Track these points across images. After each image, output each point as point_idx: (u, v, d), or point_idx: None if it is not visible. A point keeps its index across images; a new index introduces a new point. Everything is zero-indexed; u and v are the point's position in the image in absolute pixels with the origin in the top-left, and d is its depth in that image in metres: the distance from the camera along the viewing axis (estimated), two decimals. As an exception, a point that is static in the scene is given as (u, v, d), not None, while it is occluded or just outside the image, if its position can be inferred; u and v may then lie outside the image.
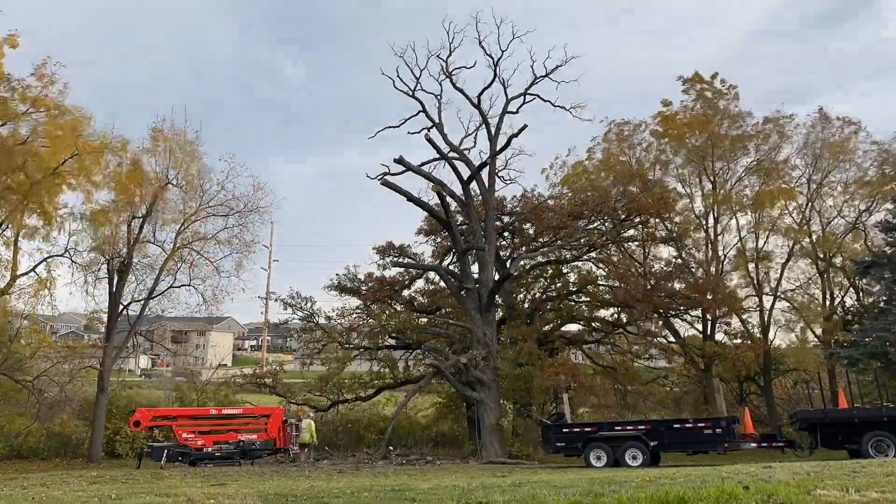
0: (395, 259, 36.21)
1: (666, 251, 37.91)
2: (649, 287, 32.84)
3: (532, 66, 31.48)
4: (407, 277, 36.64)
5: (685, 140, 36.60)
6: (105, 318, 30.55)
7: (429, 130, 31.09)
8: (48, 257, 28.53)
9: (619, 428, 23.03)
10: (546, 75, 31.31)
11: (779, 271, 37.43)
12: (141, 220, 29.89)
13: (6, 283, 28.06)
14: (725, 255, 37.37)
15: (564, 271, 37.10)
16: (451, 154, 31.50)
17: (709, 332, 36.01)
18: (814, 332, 38.81)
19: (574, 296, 36.16)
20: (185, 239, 30.95)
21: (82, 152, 26.79)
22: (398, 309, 35.12)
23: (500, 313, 34.71)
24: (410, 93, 31.63)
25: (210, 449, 24.78)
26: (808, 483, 9.18)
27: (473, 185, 31.61)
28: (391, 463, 26.20)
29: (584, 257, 34.77)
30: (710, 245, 36.67)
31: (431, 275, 36.87)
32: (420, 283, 37.91)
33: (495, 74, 31.59)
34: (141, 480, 17.27)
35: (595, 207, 32.71)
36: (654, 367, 38.67)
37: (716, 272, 35.90)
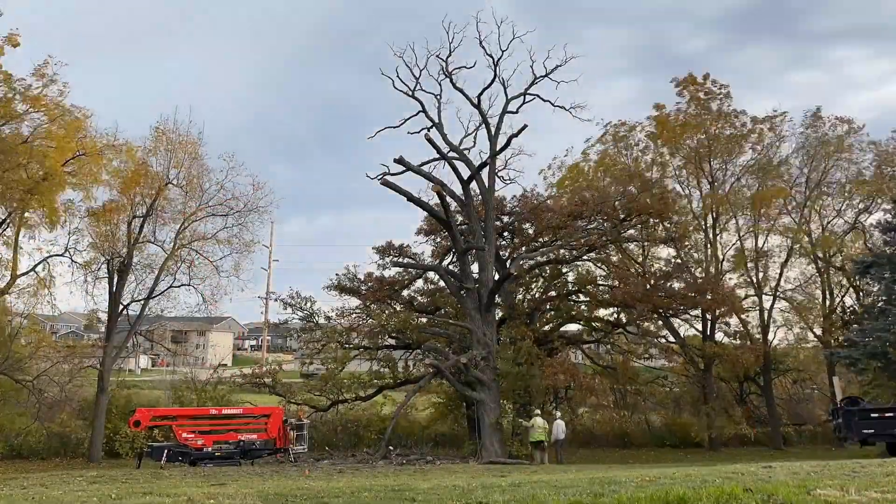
0: (395, 259, 36.22)
1: (665, 251, 37.97)
2: (649, 287, 32.86)
3: (532, 66, 31.49)
4: (407, 277, 36.64)
5: (681, 141, 36.63)
6: (105, 317, 30.54)
7: (429, 130, 31.10)
8: (48, 257, 28.53)
9: None
10: (546, 75, 31.31)
11: (778, 271, 37.50)
12: (141, 219, 29.89)
13: (6, 283, 28.05)
14: (724, 255, 37.42)
15: (564, 271, 37.12)
16: (451, 154, 31.50)
17: (708, 332, 36.05)
18: (813, 332, 38.85)
19: (573, 296, 36.17)
20: (185, 238, 30.95)
21: (86, 153, 26.84)
22: (398, 309, 35.11)
23: (500, 313, 34.71)
24: (410, 93, 31.63)
25: (210, 449, 24.72)
26: (808, 483, 9.18)
27: (473, 185, 31.61)
28: (391, 463, 26.19)
29: (584, 257, 34.80)
30: (709, 245, 36.71)
31: (431, 275, 36.87)
32: (420, 283, 37.94)
33: (495, 74, 31.60)
34: (141, 480, 17.27)
35: (594, 207, 32.72)
36: (653, 367, 38.71)
37: (715, 272, 35.93)
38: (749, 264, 36.92)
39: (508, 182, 33.64)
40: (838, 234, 37.49)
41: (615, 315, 35.28)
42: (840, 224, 37.95)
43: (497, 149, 31.70)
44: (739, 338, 36.36)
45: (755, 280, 37.22)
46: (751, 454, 30.96)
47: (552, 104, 31.52)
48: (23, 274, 28.43)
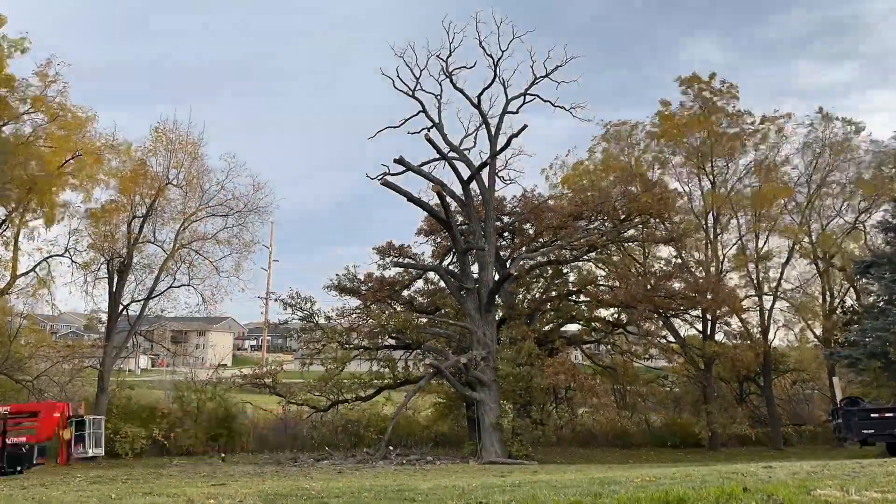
0: (395, 259, 36.19)
1: (666, 251, 37.96)
2: (649, 287, 32.84)
3: (532, 67, 31.48)
4: (407, 277, 36.63)
5: (683, 140, 36.63)
6: (105, 317, 30.53)
7: (429, 130, 31.09)
8: (48, 257, 28.53)
9: None
10: (546, 75, 31.31)
11: (779, 271, 37.48)
12: (141, 219, 29.87)
13: (6, 283, 28.05)
14: (725, 255, 37.42)
15: (564, 271, 37.12)
16: (451, 154, 31.50)
17: (709, 332, 36.04)
18: (813, 332, 38.86)
19: (574, 296, 36.16)
20: (185, 239, 30.93)
21: (86, 153, 26.85)
22: (398, 309, 35.09)
23: (500, 313, 34.69)
24: (410, 93, 31.62)
25: None
26: (808, 483, 9.18)
27: (473, 185, 31.61)
28: (391, 463, 26.19)
29: (584, 257, 34.78)
30: (709, 245, 36.69)
31: (431, 275, 36.86)
32: (420, 283, 37.92)
33: (495, 74, 31.59)
34: (141, 480, 17.28)
35: (595, 207, 32.71)
36: (653, 367, 38.70)
37: (716, 272, 35.91)
38: (750, 264, 36.93)
39: (509, 182, 33.67)
40: (838, 235, 37.49)
41: (615, 315, 35.27)
42: (840, 224, 37.96)
43: (497, 149, 31.70)
44: (740, 338, 36.35)
45: (755, 280, 37.22)
46: (751, 454, 30.95)
47: (552, 104, 31.55)
48: (23, 274, 28.44)
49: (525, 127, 31.17)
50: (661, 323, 34.64)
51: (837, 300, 38.52)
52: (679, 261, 35.77)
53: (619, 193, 33.85)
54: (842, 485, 8.71)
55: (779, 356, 38.65)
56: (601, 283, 35.89)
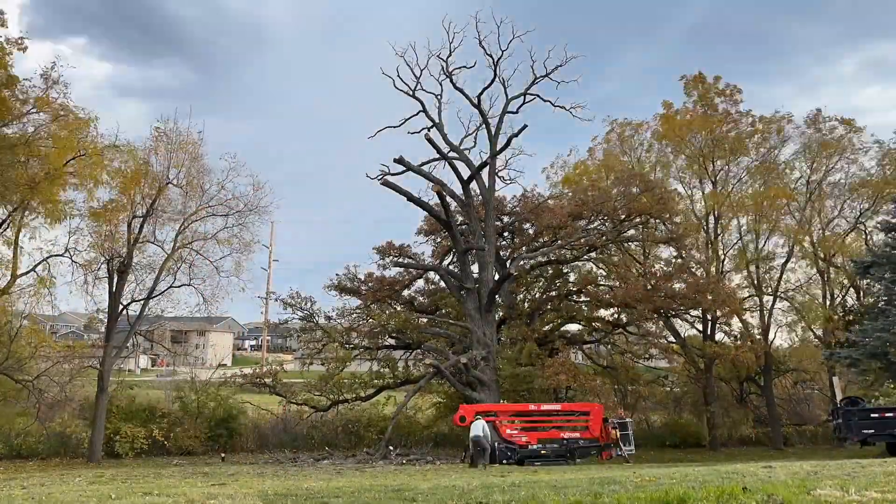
0: (396, 259, 36.20)
1: (666, 251, 37.96)
2: (649, 287, 32.84)
3: (532, 67, 31.53)
4: (407, 277, 36.63)
5: (686, 140, 36.66)
6: (105, 317, 30.48)
7: (429, 130, 31.13)
8: (48, 257, 28.47)
9: None
10: (546, 75, 31.35)
11: (779, 271, 37.47)
12: (141, 219, 29.84)
13: (6, 283, 28.02)
14: (726, 256, 37.42)
15: (564, 271, 37.11)
16: (451, 154, 31.53)
17: (709, 333, 36.03)
18: (814, 333, 38.84)
19: (574, 296, 36.15)
20: (185, 239, 30.88)
21: (88, 153, 26.84)
22: (398, 309, 35.10)
23: (500, 313, 34.70)
24: (411, 93, 31.66)
25: (535, 446, 24.09)
26: (808, 483, 9.17)
27: (473, 185, 31.64)
28: (391, 463, 26.18)
29: (585, 257, 34.78)
30: (710, 245, 36.70)
31: (431, 275, 36.86)
32: (420, 283, 37.96)
33: (495, 74, 31.65)
34: (141, 480, 17.28)
35: (595, 207, 32.72)
36: (654, 367, 38.68)
37: (716, 272, 35.91)
38: (750, 265, 36.93)
39: (509, 182, 33.76)
40: (839, 235, 37.48)
41: (616, 315, 35.26)
42: (841, 225, 37.96)
43: (497, 149, 31.72)
44: (740, 338, 36.34)
45: (756, 280, 37.22)
46: (751, 454, 30.95)
47: (552, 104, 31.64)
48: (23, 274, 28.39)
49: (525, 127, 31.27)
50: (661, 323, 34.64)
51: (838, 300, 38.52)
52: (679, 261, 35.77)
53: (619, 193, 33.88)
54: (842, 485, 8.71)
55: (779, 356, 38.64)
56: (601, 283, 35.88)
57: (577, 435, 24.62)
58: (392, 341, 33.91)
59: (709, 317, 35.56)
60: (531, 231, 35.52)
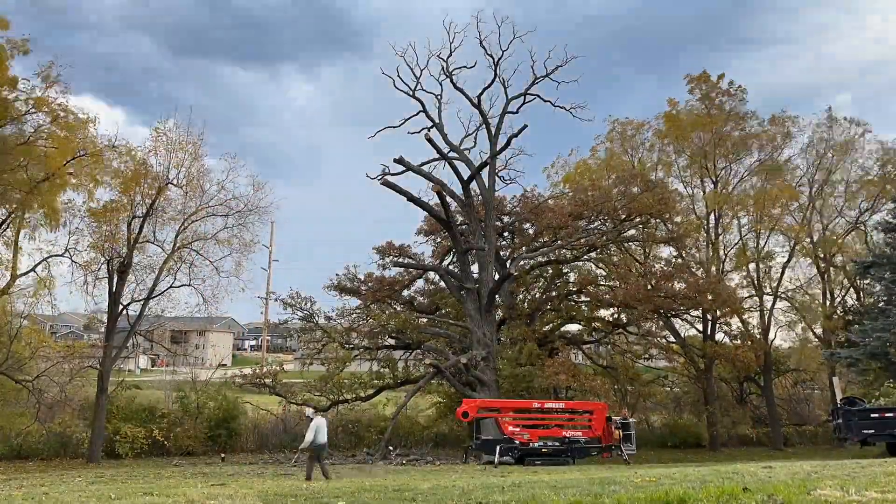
0: (396, 259, 36.19)
1: (666, 251, 37.96)
2: (650, 287, 32.84)
3: (532, 67, 31.54)
4: (407, 277, 36.62)
5: (688, 139, 36.66)
6: (105, 318, 30.47)
7: (429, 130, 31.11)
8: (48, 257, 28.46)
9: None
10: (546, 75, 31.36)
11: (779, 271, 37.49)
12: (141, 219, 29.83)
13: (6, 283, 28.02)
14: (726, 255, 37.41)
15: (564, 271, 37.10)
16: (452, 154, 31.52)
17: (709, 333, 36.02)
18: (814, 333, 38.85)
19: (574, 296, 36.14)
20: (185, 239, 30.86)
21: (87, 153, 26.86)
22: (398, 309, 35.09)
23: (500, 313, 34.68)
24: (411, 93, 31.68)
25: (537, 444, 24.03)
26: (809, 483, 9.16)
27: (473, 185, 31.62)
28: (391, 463, 26.18)
29: (585, 257, 34.77)
30: (710, 245, 36.70)
31: (431, 275, 36.85)
32: (420, 283, 37.94)
33: (495, 74, 31.66)
34: (141, 480, 17.29)
35: (595, 207, 32.72)
36: (654, 368, 38.69)
37: (716, 272, 35.91)
38: (750, 264, 36.92)
39: (509, 182, 33.74)
40: (839, 235, 37.48)
41: (616, 315, 35.26)
42: (841, 224, 37.97)
43: (497, 149, 31.72)
44: (740, 338, 36.34)
45: (756, 280, 37.22)
46: (751, 454, 30.95)
47: (553, 104, 31.64)
48: (23, 274, 28.40)
49: (525, 127, 31.28)
50: (661, 323, 34.64)
51: (838, 300, 38.52)
52: (680, 261, 35.76)
53: (620, 193, 33.89)
54: (842, 485, 8.70)
55: (779, 356, 38.64)
56: (601, 283, 35.87)
57: (579, 434, 24.58)
58: (392, 341, 33.90)
59: (709, 317, 35.55)
60: (531, 231, 35.51)
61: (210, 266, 31.02)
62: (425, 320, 33.80)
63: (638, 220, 33.53)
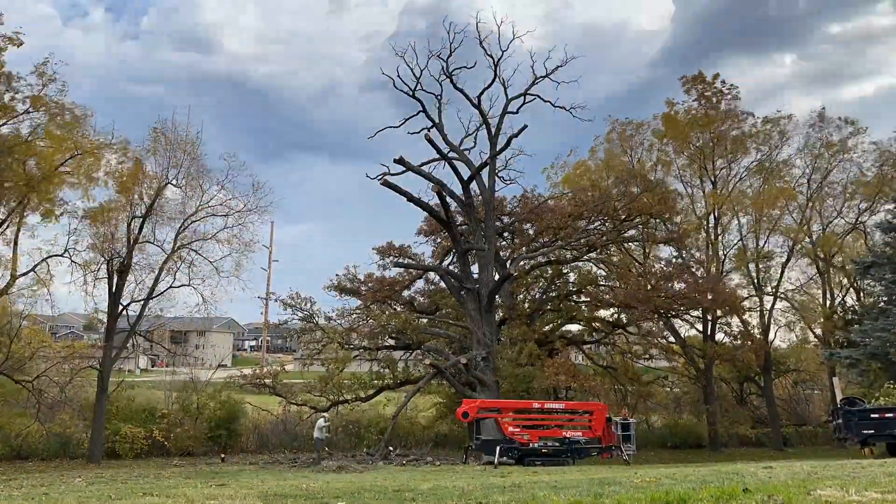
0: (396, 259, 36.18)
1: (666, 251, 37.98)
2: (649, 287, 32.85)
3: (532, 67, 31.57)
4: (407, 278, 36.61)
5: (687, 140, 36.70)
6: (105, 318, 30.45)
7: (429, 130, 31.08)
8: (48, 257, 28.45)
9: None
10: (546, 75, 31.38)
11: (779, 271, 37.50)
12: (140, 219, 29.82)
13: (6, 283, 28.01)
14: (726, 255, 37.43)
15: (564, 271, 37.10)
16: (452, 154, 31.50)
17: (709, 333, 36.02)
18: (814, 333, 38.87)
19: (574, 296, 36.15)
20: (185, 239, 30.85)
21: (84, 152, 26.83)
22: (398, 309, 35.08)
23: (500, 314, 34.67)
24: (411, 93, 31.64)
25: (536, 445, 24.01)
26: (809, 483, 9.16)
27: (473, 185, 31.61)
28: (391, 463, 26.16)
29: (585, 257, 34.78)
30: (710, 245, 36.71)
31: (431, 275, 36.85)
32: (420, 284, 37.94)
33: (495, 74, 31.67)
34: (141, 480, 17.28)
35: (595, 207, 32.73)
36: (654, 368, 38.71)
37: (716, 272, 35.92)
38: (750, 265, 36.94)
39: (509, 182, 33.72)
40: (839, 235, 37.49)
41: (616, 315, 35.27)
42: (841, 224, 37.98)
43: (497, 149, 31.72)
44: (740, 338, 36.36)
45: (756, 280, 37.23)
46: (751, 454, 30.95)
47: (553, 104, 31.65)
48: (22, 274, 28.38)
49: (525, 127, 31.30)
50: (661, 323, 34.65)
51: (838, 300, 38.53)
52: (680, 261, 35.77)
53: (619, 193, 33.89)
54: (842, 485, 8.70)
55: (779, 356, 38.64)
56: (601, 283, 35.88)
57: (579, 434, 24.57)
58: (392, 342, 33.90)
59: (709, 317, 35.56)
60: (531, 231, 35.51)
61: (210, 266, 31.03)
62: (425, 320, 33.81)
63: (638, 220, 33.53)
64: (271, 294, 37.64)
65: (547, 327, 35.84)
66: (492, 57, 31.46)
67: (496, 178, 32.24)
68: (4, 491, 14.97)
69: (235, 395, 33.23)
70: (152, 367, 64.01)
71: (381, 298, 35.15)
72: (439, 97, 31.95)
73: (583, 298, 35.70)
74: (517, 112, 32.12)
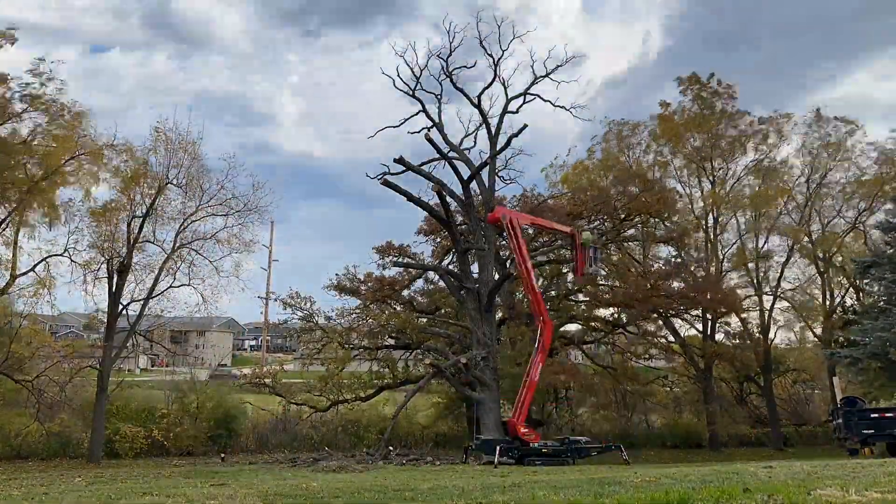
0: (395, 259, 36.16)
1: (665, 251, 37.97)
2: (649, 287, 32.84)
3: (532, 66, 31.58)
4: (407, 277, 36.59)
5: (683, 140, 36.68)
6: (105, 317, 30.45)
7: (429, 130, 31.09)
8: (48, 257, 28.44)
9: None
10: (546, 75, 31.38)
11: (778, 271, 37.49)
12: (141, 219, 29.82)
13: (6, 283, 28.01)
14: (725, 255, 37.42)
15: (564, 271, 37.09)
16: (452, 154, 31.50)
17: (709, 332, 36.01)
18: (813, 332, 38.85)
19: (573, 296, 36.13)
20: (185, 238, 30.84)
21: (87, 152, 26.85)
22: (398, 309, 35.05)
23: (500, 313, 34.66)
24: (410, 92, 31.66)
25: (537, 444, 24.04)
26: (809, 483, 9.17)
27: (473, 184, 31.60)
28: (391, 463, 26.17)
29: (585, 257, 34.71)
30: (709, 245, 36.70)
31: (431, 275, 36.82)
32: (420, 283, 37.88)
33: (495, 74, 31.69)
34: (141, 480, 17.28)
35: (594, 207, 32.71)
36: (654, 367, 38.71)
37: (715, 272, 35.91)
38: (749, 264, 36.92)
39: (509, 182, 33.70)
40: (838, 235, 37.47)
41: (615, 315, 35.26)
42: (840, 224, 37.96)
43: (497, 149, 31.71)
44: (740, 338, 36.35)
45: (755, 280, 37.22)
46: (751, 454, 30.95)
47: (553, 104, 31.68)
48: (22, 274, 28.39)
49: (525, 127, 31.29)
50: (660, 323, 34.64)
51: (837, 300, 38.51)
52: (679, 260, 35.76)
53: (618, 193, 33.87)
54: (842, 485, 8.70)
55: (779, 356, 38.63)
56: (601, 282, 35.87)
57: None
58: (392, 341, 33.87)
59: (708, 316, 35.55)
60: (531, 231, 35.49)
61: (210, 266, 31.02)
62: (425, 320, 33.78)
63: (637, 219, 33.51)
64: (271, 294, 37.65)
65: (547, 327, 35.76)
66: (492, 56, 31.50)
67: (496, 177, 32.25)
68: (4, 490, 14.97)
69: (235, 393, 33.23)
70: (152, 366, 63.98)
71: (381, 298, 35.11)
72: (439, 97, 31.99)
73: (582, 298, 35.67)
74: (517, 112, 32.17)
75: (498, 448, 23.41)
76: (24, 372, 27.84)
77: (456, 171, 31.20)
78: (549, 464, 22.95)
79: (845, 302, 38.43)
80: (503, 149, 31.75)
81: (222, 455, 29.31)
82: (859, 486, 8.59)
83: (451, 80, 31.70)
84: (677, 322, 35.76)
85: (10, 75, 25.52)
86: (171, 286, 30.78)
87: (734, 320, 36.39)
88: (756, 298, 37.33)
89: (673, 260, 36.43)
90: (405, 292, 37.00)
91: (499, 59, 31.43)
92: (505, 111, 31.99)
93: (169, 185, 30.32)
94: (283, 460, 27.77)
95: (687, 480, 10.62)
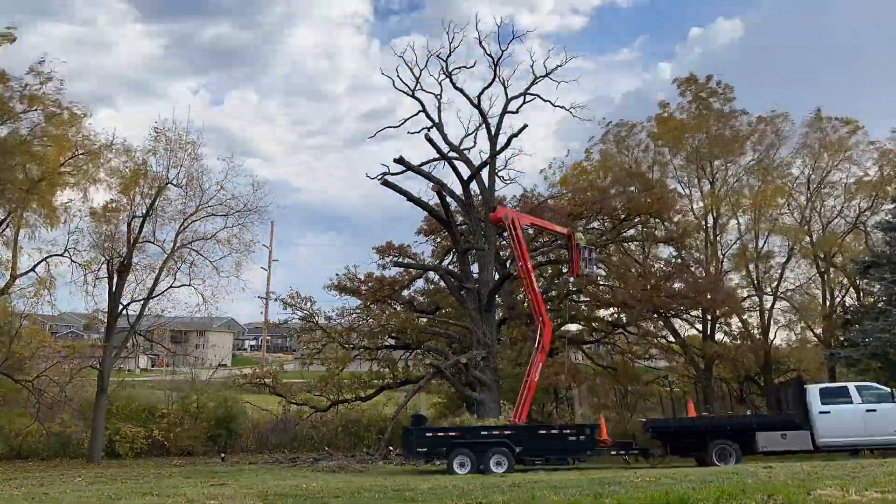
0: (395, 259, 36.18)
1: (666, 251, 37.96)
2: (649, 287, 32.84)
3: (532, 66, 31.61)
4: (407, 277, 36.60)
5: (682, 141, 36.70)
6: (105, 318, 30.48)
7: (429, 130, 31.12)
8: (48, 257, 28.47)
9: (486, 433, 22.12)
10: (546, 75, 31.42)
11: (779, 271, 37.46)
12: (141, 219, 29.85)
13: (6, 283, 28.03)
14: (725, 255, 37.41)
15: (564, 271, 37.10)
16: (451, 154, 31.52)
17: (709, 333, 36.01)
18: (814, 333, 38.82)
19: (574, 296, 36.14)
20: (185, 239, 30.88)
21: (86, 152, 26.88)
22: (398, 309, 35.06)
23: (500, 313, 34.66)
24: (410, 93, 31.69)
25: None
26: (809, 483, 9.18)
27: (473, 184, 31.63)
28: (391, 463, 26.18)
29: (584, 257, 34.72)
30: (709, 245, 36.70)
31: (431, 275, 36.83)
32: (420, 283, 37.89)
33: (495, 74, 31.71)
34: (141, 480, 17.30)
35: (594, 207, 32.70)
36: (654, 368, 38.70)
37: (716, 272, 35.91)
38: (749, 264, 36.92)
39: (509, 182, 33.72)
40: (839, 235, 37.45)
41: (615, 315, 35.26)
42: (841, 224, 37.93)
43: (497, 149, 31.74)
44: (740, 338, 36.35)
45: (755, 280, 37.21)
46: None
47: (552, 104, 31.71)
48: (22, 274, 28.41)
49: (525, 127, 31.33)
50: (661, 323, 34.64)
51: (838, 300, 38.49)
52: (679, 261, 35.76)
53: (618, 193, 33.87)
54: (842, 485, 8.71)
55: (779, 356, 38.61)
56: (601, 282, 35.87)
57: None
58: (392, 341, 33.87)
59: (708, 316, 35.54)
60: (531, 231, 35.51)
61: (210, 266, 31.06)
62: (425, 320, 33.78)
63: (637, 219, 33.50)
64: (271, 294, 37.67)
65: (547, 327, 35.77)
66: (491, 56, 31.53)
67: (496, 177, 32.27)
68: (5, 490, 14.98)
69: (235, 393, 33.24)
70: (152, 366, 64.03)
71: (381, 298, 35.13)
72: (439, 97, 32.03)
73: (582, 298, 35.67)
74: (517, 112, 32.20)
75: None
76: (24, 372, 27.86)
77: (456, 171, 31.24)
78: (550, 463, 22.93)
79: (845, 302, 38.43)
80: (503, 149, 31.78)
81: (222, 455, 29.33)
82: (859, 486, 8.59)
83: (451, 81, 31.77)
84: (677, 322, 35.76)
85: (10, 74, 25.56)
86: (171, 286, 30.86)
87: (734, 320, 36.38)
88: (756, 299, 37.33)
89: (673, 260, 36.43)
90: (405, 292, 37.05)
91: (498, 59, 31.49)
92: (505, 111, 32.04)
93: (169, 185, 30.38)
94: (283, 460, 27.78)
95: (687, 480, 10.63)
